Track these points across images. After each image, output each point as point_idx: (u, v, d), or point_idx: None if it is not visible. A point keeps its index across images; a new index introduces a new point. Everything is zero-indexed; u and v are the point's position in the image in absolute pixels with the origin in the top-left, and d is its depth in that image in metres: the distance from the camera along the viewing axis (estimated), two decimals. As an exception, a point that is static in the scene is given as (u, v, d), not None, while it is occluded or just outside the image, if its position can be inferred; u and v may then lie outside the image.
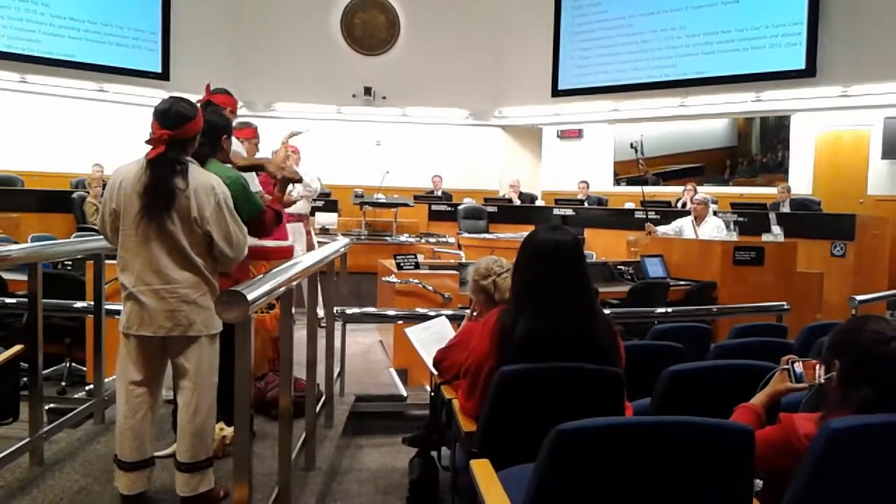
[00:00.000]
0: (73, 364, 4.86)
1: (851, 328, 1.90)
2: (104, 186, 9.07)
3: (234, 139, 3.50)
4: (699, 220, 7.21)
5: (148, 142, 2.60)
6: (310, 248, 6.14)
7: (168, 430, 3.21)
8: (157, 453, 2.77)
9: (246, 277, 3.03)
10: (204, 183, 2.61)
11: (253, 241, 3.68)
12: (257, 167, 3.68)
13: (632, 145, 9.54)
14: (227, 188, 3.05)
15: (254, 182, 3.73)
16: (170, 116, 2.60)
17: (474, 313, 3.15)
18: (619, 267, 6.66)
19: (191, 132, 2.66)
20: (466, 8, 13.09)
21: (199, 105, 3.67)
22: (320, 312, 4.06)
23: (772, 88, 10.63)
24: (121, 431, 2.62)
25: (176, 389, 2.69)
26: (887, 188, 10.03)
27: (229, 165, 3.35)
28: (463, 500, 2.82)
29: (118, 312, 3.85)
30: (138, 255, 2.58)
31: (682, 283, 6.34)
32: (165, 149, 2.56)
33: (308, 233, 6.53)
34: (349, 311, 4.48)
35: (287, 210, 6.27)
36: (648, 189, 11.20)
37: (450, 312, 4.17)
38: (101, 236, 2.83)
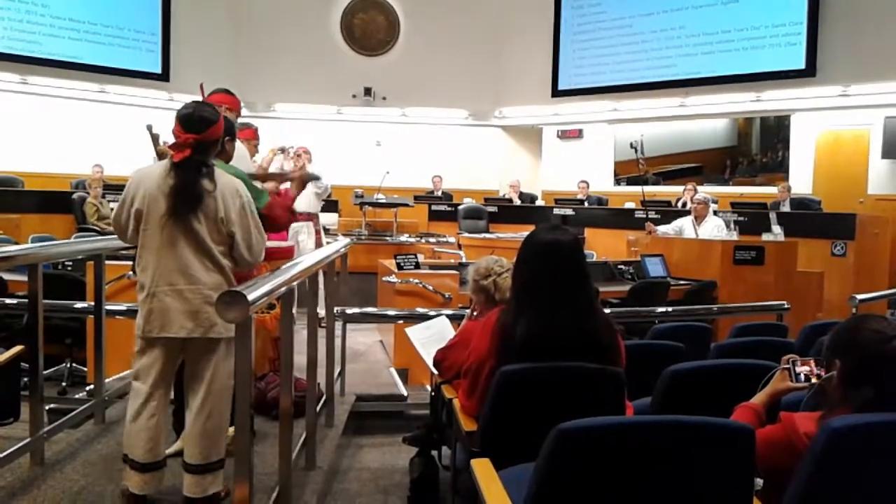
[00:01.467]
0: (74, 364, 4.86)
1: (852, 327, 1.90)
2: (104, 187, 9.11)
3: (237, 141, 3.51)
4: (699, 219, 7.21)
5: (173, 146, 2.61)
6: (318, 246, 6.17)
7: (169, 429, 3.20)
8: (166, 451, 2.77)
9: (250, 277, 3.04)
10: (230, 185, 2.63)
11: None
12: (272, 176, 3.68)
13: (632, 145, 9.56)
14: None
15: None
16: (194, 121, 2.61)
17: (474, 313, 3.15)
18: (619, 266, 6.66)
19: (215, 135, 2.68)
20: (466, 8, 13.10)
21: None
22: (321, 312, 4.07)
23: (772, 88, 10.64)
24: (135, 433, 2.60)
25: (189, 391, 2.67)
26: (887, 187, 10.01)
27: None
28: (463, 500, 2.82)
29: (119, 313, 3.85)
30: (162, 255, 2.57)
31: (682, 282, 6.34)
32: (192, 152, 2.57)
33: (317, 232, 6.56)
34: (349, 310, 4.49)
35: (298, 209, 6.34)
36: (649, 189, 11.22)
37: (450, 312, 4.17)
38: (101, 237, 2.84)
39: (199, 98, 3.73)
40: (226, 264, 2.63)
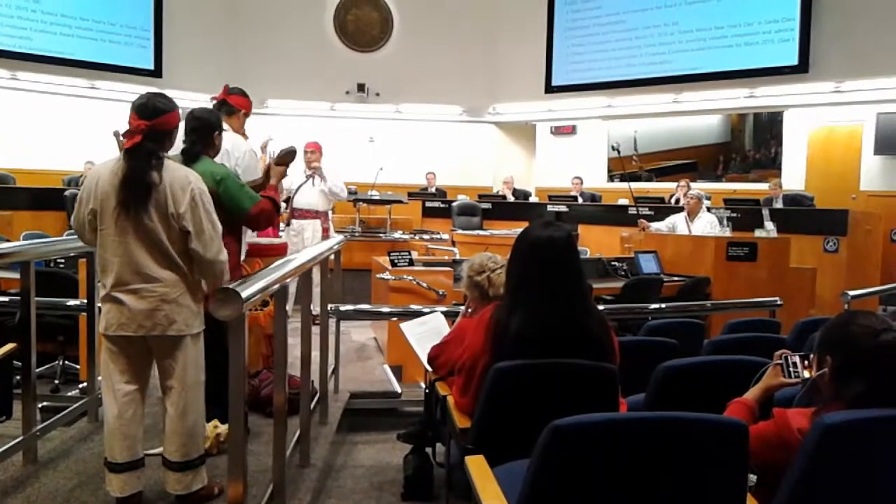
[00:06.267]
0: (67, 362, 4.84)
1: (841, 323, 1.91)
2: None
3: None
4: (692, 215, 7.23)
5: (125, 133, 2.58)
6: None
7: (161, 428, 3.20)
8: (149, 451, 2.76)
9: (238, 276, 3.02)
10: (179, 178, 2.58)
11: (249, 238, 3.69)
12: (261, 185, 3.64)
13: (613, 147, 9.66)
14: (222, 183, 3.07)
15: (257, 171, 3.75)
16: (147, 108, 2.58)
17: (469, 309, 3.15)
18: (612, 263, 6.67)
19: (168, 125, 2.63)
20: (460, 4, 13.08)
21: (212, 102, 3.69)
22: (315, 310, 4.06)
23: (765, 84, 10.66)
24: (110, 433, 2.60)
25: (162, 390, 2.67)
26: (880, 184, 10.05)
27: (222, 163, 3.36)
28: (458, 497, 2.83)
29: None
30: (117, 254, 2.54)
31: (675, 278, 6.35)
32: (142, 139, 2.54)
33: (325, 229, 6.56)
34: (343, 307, 4.48)
35: (304, 206, 6.40)
36: (643, 185, 11.26)
37: (444, 309, 4.17)
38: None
39: (219, 94, 3.76)
40: (180, 261, 2.58)
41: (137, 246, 2.54)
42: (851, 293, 5.26)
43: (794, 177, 10.66)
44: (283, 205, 6.01)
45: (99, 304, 3.20)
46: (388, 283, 5.23)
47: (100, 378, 3.52)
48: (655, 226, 7.48)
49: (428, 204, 10.44)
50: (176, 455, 2.60)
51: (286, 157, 3.59)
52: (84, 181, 2.67)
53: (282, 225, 6.57)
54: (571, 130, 13.39)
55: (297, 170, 6.56)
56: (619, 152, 9.40)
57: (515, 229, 6.62)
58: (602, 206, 10.60)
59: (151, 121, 2.56)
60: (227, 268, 2.66)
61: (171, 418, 2.62)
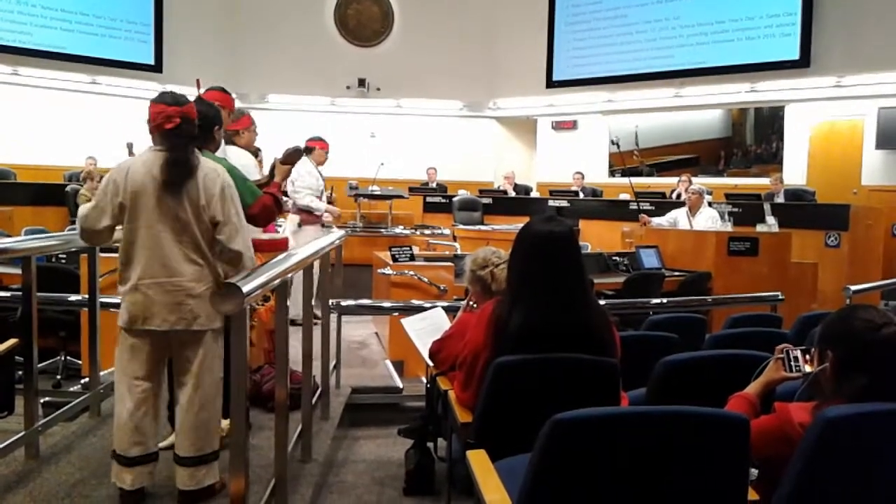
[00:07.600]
0: (68, 357, 4.85)
1: (842, 317, 1.90)
2: (100, 179, 9.06)
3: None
4: (694, 210, 7.22)
5: (161, 120, 2.58)
6: None
7: (164, 422, 3.20)
8: (159, 445, 2.76)
9: None
10: (210, 169, 2.62)
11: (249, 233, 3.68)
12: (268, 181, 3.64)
13: (612, 141, 9.68)
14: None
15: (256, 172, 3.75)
16: (173, 97, 2.63)
17: (471, 304, 3.16)
18: (614, 258, 6.67)
19: (193, 114, 2.67)
20: (461, -1, 13.07)
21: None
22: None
23: (766, 79, 10.66)
24: (121, 427, 2.59)
25: (177, 384, 2.66)
26: (881, 178, 10.03)
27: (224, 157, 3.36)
28: (459, 491, 2.83)
29: (113, 306, 3.84)
30: (146, 246, 2.54)
31: (676, 273, 6.35)
32: (181, 121, 2.58)
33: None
34: (345, 303, 4.48)
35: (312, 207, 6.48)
36: (644, 180, 11.25)
37: (445, 304, 4.17)
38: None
39: (196, 91, 3.73)
40: (209, 254, 2.59)
41: (168, 238, 2.54)
42: (853, 288, 5.26)
43: (795, 171, 10.64)
44: (284, 201, 6.03)
45: (102, 300, 3.20)
46: (389, 278, 5.23)
47: (103, 372, 3.55)
48: (657, 221, 7.47)
49: (429, 199, 10.42)
50: (189, 450, 2.60)
51: (292, 155, 3.58)
52: (110, 177, 2.61)
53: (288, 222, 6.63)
54: (572, 125, 13.37)
55: (303, 169, 6.61)
56: (618, 147, 9.41)
57: (516, 224, 6.61)
58: (603, 201, 10.59)
59: (182, 107, 2.61)
60: (254, 263, 2.65)
61: (186, 413, 2.61)
